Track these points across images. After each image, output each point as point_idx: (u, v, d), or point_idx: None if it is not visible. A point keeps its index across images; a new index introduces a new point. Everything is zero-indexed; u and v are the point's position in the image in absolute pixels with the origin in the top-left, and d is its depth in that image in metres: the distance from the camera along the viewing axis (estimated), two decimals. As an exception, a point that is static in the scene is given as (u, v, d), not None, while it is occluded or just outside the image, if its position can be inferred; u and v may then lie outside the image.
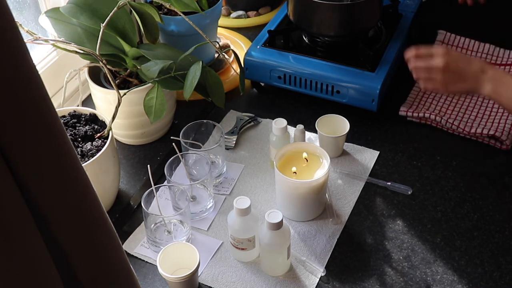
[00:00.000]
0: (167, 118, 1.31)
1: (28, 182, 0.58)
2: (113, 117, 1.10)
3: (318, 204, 1.14)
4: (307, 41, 1.43)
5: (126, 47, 1.18)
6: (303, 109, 1.39)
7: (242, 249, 1.05)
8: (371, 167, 1.25)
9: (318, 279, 1.04)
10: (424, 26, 1.57)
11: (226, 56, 1.44)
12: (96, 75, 1.25)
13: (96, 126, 1.13)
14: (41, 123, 0.56)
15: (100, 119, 1.15)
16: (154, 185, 1.07)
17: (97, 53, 1.09)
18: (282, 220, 0.98)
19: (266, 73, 1.38)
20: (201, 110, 1.39)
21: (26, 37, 1.04)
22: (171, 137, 1.17)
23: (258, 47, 1.41)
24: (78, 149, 1.09)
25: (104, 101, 1.22)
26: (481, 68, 1.07)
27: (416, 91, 1.40)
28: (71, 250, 0.65)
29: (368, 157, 1.27)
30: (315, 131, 1.26)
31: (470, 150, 1.28)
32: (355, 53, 1.36)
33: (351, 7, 1.34)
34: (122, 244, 1.10)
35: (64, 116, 1.15)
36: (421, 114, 1.33)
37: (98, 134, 1.11)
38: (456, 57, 1.09)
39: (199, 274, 1.05)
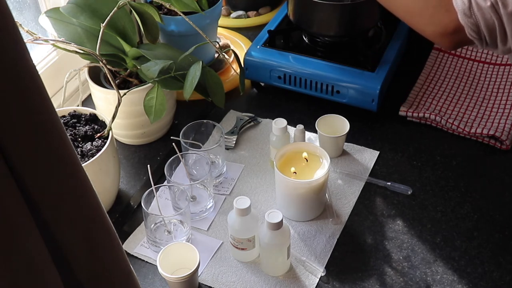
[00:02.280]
0: (167, 118, 1.31)
1: (28, 182, 0.58)
2: (113, 117, 1.10)
3: (318, 204, 1.14)
4: (307, 41, 1.43)
5: (126, 47, 1.18)
6: (303, 109, 1.39)
7: (242, 249, 1.05)
8: (371, 167, 1.25)
9: (318, 279, 1.04)
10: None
11: (226, 56, 1.44)
12: (96, 75, 1.24)
13: (96, 126, 1.13)
14: (41, 123, 0.56)
15: (100, 119, 1.15)
16: (154, 185, 1.07)
17: (97, 53, 1.09)
18: (282, 220, 0.98)
19: (266, 73, 1.38)
20: (201, 110, 1.39)
21: (26, 37, 1.04)
22: (171, 137, 1.17)
23: (258, 47, 1.41)
24: (78, 149, 1.09)
25: (104, 101, 1.22)
26: None
27: (416, 91, 1.40)
28: (71, 250, 0.65)
29: (368, 157, 1.27)
30: (315, 131, 1.26)
31: (470, 150, 1.28)
32: (355, 53, 1.36)
33: (351, 7, 1.34)
34: (122, 244, 1.10)
35: (64, 116, 1.15)
36: (421, 114, 1.33)
37: (98, 134, 1.11)
38: None
39: (199, 274, 1.05)
